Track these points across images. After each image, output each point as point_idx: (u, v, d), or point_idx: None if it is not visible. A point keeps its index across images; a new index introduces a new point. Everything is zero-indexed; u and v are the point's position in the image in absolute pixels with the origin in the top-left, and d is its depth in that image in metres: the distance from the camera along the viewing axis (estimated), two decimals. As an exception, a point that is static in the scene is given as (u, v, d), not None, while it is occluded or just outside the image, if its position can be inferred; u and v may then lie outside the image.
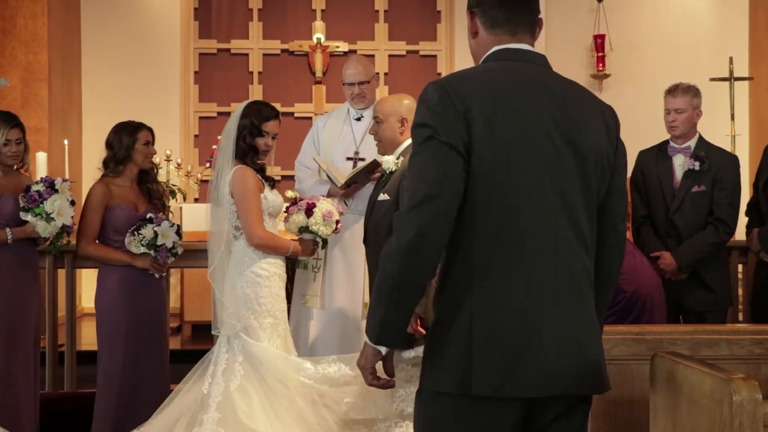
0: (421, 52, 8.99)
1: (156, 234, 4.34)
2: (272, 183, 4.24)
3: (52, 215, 4.25)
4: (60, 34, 8.05)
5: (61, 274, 5.18)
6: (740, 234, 5.09)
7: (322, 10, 8.92)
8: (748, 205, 5.03)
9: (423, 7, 9.01)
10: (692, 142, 4.87)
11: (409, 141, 3.91)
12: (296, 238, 4.25)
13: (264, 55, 8.91)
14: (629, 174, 4.87)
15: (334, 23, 8.89)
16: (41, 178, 4.39)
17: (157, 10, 8.77)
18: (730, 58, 7.12)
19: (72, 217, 4.35)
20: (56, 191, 4.29)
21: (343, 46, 8.84)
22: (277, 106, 4.38)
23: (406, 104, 4.17)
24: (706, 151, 4.84)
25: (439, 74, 8.73)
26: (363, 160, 4.85)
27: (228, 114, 4.37)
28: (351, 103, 5.03)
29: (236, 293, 4.04)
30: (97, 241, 4.43)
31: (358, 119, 5.02)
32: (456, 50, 8.86)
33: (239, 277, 4.06)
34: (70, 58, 8.39)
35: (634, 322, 4.05)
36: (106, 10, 8.65)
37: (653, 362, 2.83)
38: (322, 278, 4.73)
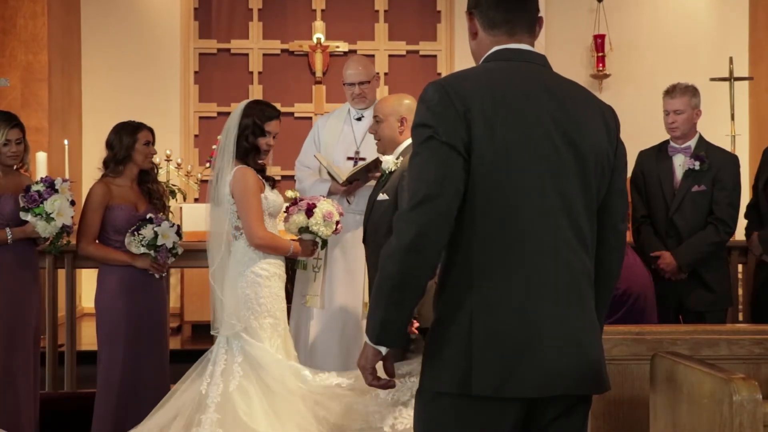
0: (421, 52, 8.99)
1: (156, 234, 4.34)
2: (273, 183, 4.25)
3: (52, 215, 4.24)
4: (60, 34, 8.04)
5: (61, 274, 5.18)
6: (740, 234, 5.09)
7: (322, 10, 8.92)
8: (748, 206, 5.02)
9: (423, 7, 9.01)
10: (692, 142, 4.86)
11: (408, 141, 3.91)
12: (296, 238, 4.26)
13: (264, 55, 8.91)
14: (629, 174, 4.87)
15: (334, 23, 8.88)
16: (41, 178, 4.39)
17: (157, 10, 8.77)
18: (730, 58, 7.12)
19: (72, 217, 4.35)
20: (56, 191, 4.29)
21: (343, 46, 8.84)
22: (277, 106, 4.37)
23: (406, 104, 4.17)
24: (706, 150, 4.84)
25: (439, 74, 8.72)
26: (363, 159, 4.85)
27: (228, 114, 4.36)
28: (351, 103, 5.03)
29: (236, 293, 4.04)
30: (97, 241, 4.43)
31: (359, 119, 5.02)
32: (456, 50, 8.86)
33: (239, 277, 4.06)
34: (70, 58, 8.38)
35: (624, 319, 4.04)
36: (106, 10, 8.65)
37: (653, 362, 2.83)
38: (322, 278, 4.73)
